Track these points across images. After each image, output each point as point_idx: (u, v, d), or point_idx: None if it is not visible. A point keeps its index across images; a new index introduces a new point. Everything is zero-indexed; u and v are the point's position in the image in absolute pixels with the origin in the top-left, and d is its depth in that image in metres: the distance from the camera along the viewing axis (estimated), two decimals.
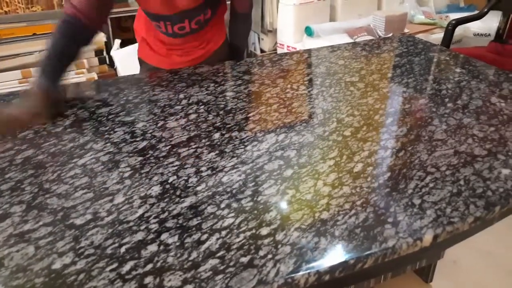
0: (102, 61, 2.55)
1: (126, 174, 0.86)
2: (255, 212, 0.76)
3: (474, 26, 3.21)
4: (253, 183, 0.84)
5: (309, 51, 1.61)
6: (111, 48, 2.57)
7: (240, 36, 1.57)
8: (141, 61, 1.53)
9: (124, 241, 0.70)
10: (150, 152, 0.94)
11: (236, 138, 1.00)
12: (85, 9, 1.15)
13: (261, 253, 0.68)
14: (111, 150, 0.95)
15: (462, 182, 0.84)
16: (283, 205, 0.79)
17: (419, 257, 1.24)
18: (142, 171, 0.87)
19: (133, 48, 2.43)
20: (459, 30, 2.81)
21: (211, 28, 1.44)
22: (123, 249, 0.68)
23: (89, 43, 1.22)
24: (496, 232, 1.53)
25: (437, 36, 3.11)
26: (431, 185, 0.83)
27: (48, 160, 0.92)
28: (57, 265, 0.66)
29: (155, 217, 0.75)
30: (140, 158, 0.92)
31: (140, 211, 0.76)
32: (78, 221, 0.74)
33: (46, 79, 1.09)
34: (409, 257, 0.72)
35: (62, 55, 1.15)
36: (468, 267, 1.77)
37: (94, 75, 2.47)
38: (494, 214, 0.79)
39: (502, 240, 1.88)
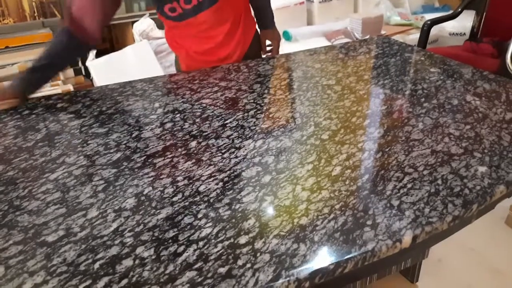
0: (77, 72, 2.50)
1: (100, 187, 0.84)
2: (233, 220, 0.75)
3: (449, 26, 3.26)
4: (230, 191, 0.83)
5: (285, 55, 1.60)
6: (86, 58, 2.53)
7: None
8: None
9: (98, 256, 0.68)
10: (125, 163, 0.92)
11: (213, 145, 0.98)
12: (88, 26, 1.19)
13: (240, 262, 0.66)
14: (84, 163, 0.92)
15: (439, 182, 0.84)
16: (262, 212, 0.77)
17: (403, 257, 1.24)
18: (116, 184, 0.85)
19: (108, 58, 2.40)
20: (434, 30, 2.85)
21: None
22: (97, 265, 0.66)
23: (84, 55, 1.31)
24: (477, 228, 1.55)
25: (413, 37, 3.15)
26: (409, 185, 0.83)
27: (18, 176, 0.89)
28: (28, 285, 0.63)
29: (130, 231, 0.73)
30: (114, 170, 0.89)
31: (115, 225, 0.74)
32: (50, 238, 0.72)
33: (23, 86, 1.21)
34: (392, 258, 0.72)
35: (51, 66, 1.22)
36: (452, 265, 1.78)
37: (70, 87, 2.42)
38: (472, 212, 0.79)
39: (483, 237, 1.90)
